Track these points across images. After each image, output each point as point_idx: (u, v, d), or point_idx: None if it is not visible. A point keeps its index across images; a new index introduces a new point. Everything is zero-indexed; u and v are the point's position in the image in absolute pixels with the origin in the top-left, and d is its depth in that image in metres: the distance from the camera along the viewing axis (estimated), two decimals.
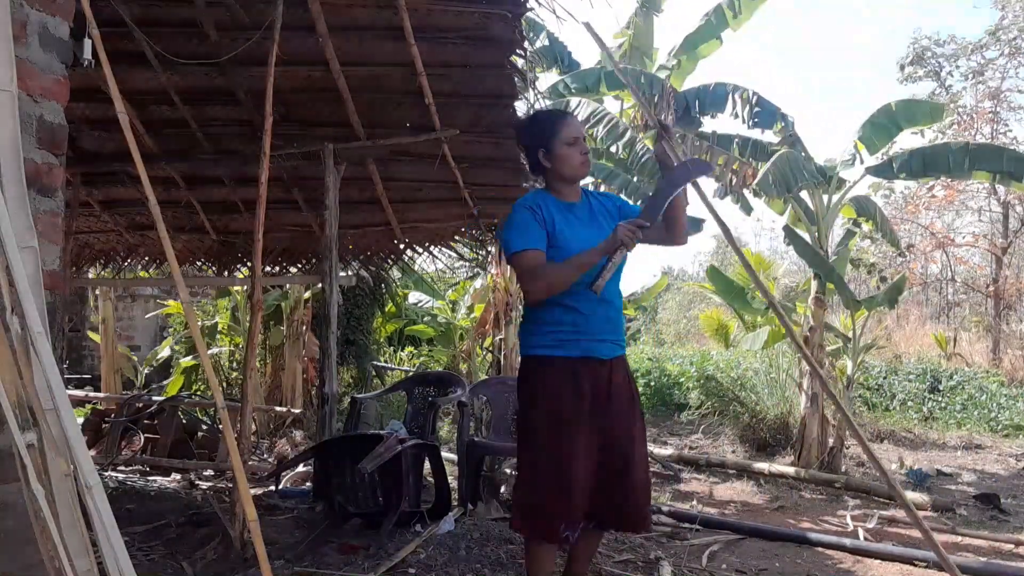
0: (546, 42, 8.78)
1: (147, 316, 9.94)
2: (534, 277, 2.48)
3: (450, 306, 11.39)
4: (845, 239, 7.62)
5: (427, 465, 4.30)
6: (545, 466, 2.49)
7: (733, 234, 2.81)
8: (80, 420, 5.64)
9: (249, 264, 6.18)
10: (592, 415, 2.51)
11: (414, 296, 11.71)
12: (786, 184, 6.29)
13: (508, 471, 5.37)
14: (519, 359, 2.79)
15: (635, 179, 7.67)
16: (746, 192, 7.78)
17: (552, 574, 2.64)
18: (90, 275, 7.35)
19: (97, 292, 9.07)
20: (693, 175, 2.58)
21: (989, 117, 16.20)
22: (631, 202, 3.08)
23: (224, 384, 7.88)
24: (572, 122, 2.65)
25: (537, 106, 4.76)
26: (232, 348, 8.27)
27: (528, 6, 3.89)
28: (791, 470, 6.29)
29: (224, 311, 8.55)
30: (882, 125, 6.91)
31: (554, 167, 2.61)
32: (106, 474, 5.38)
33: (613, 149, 7.81)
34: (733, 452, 7.55)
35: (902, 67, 18.42)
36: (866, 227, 7.52)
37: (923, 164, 6.45)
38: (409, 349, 10.94)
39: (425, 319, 11.21)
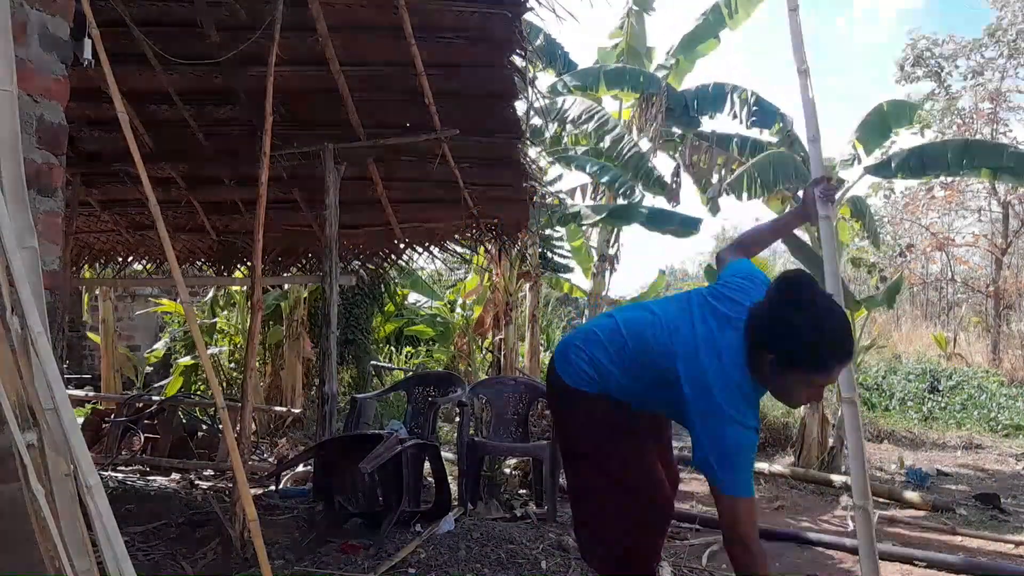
0: (543, 43, 8.79)
1: (139, 313, 9.93)
2: (749, 550, 1.98)
3: (449, 306, 11.39)
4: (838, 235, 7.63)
5: (427, 465, 4.30)
6: (636, 500, 2.19)
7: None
8: (80, 420, 5.63)
9: (249, 264, 6.18)
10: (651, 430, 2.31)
11: (413, 296, 11.71)
12: (766, 184, 6.29)
13: (508, 471, 5.37)
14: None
15: (627, 176, 7.69)
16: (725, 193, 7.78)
17: None
18: (88, 275, 7.34)
19: (97, 292, 9.07)
20: None
21: (989, 117, 16.21)
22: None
23: (224, 384, 7.88)
24: (839, 368, 1.97)
25: (537, 105, 4.74)
26: (232, 348, 8.27)
27: (528, 6, 3.88)
28: (791, 470, 6.29)
29: (204, 306, 8.60)
30: (875, 125, 6.94)
31: (771, 382, 2.01)
32: (106, 474, 5.38)
33: (601, 146, 7.84)
34: None
35: (901, 67, 18.42)
36: (855, 226, 7.53)
37: (922, 163, 6.44)
38: (408, 349, 10.94)
39: (424, 319, 11.21)
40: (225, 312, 8.41)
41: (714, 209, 8.05)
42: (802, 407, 6.79)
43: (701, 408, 2.00)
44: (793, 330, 1.90)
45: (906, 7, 39.08)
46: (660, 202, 8.32)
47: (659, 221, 7.50)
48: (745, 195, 6.33)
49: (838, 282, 2.36)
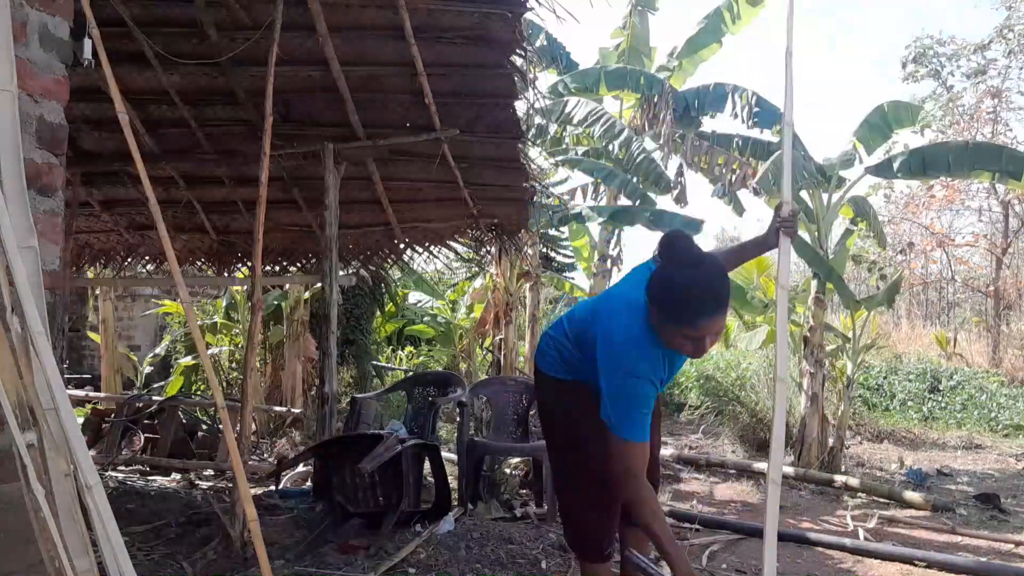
0: (544, 42, 8.78)
1: (143, 315, 9.94)
2: (638, 480, 2.13)
3: (450, 306, 11.39)
4: (843, 238, 7.64)
5: (427, 465, 4.30)
6: (589, 485, 2.40)
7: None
8: (80, 420, 5.64)
9: (249, 264, 6.18)
10: None
11: (414, 296, 11.71)
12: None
13: (508, 471, 5.37)
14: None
15: (633, 179, 7.67)
16: (743, 191, 7.80)
17: None
18: (89, 275, 7.34)
19: (97, 292, 9.08)
20: None
21: (990, 117, 16.20)
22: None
23: (224, 384, 7.88)
24: (708, 323, 2.02)
25: (537, 105, 4.74)
26: (232, 348, 8.27)
27: (528, 6, 3.88)
28: (791, 470, 6.28)
29: (219, 306, 8.56)
30: (876, 125, 6.97)
31: (661, 334, 2.10)
32: (106, 474, 5.38)
33: (610, 148, 7.82)
34: (733, 452, 7.54)
35: (904, 65, 18.41)
36: (861, 227, 7.55)
37: (923, 164, 6.45)
38: (409, 349, 10.94)
39: (425, 319, 11.21)
40: (238, 317, 8.36)
41: (738, 209, 8.09)
42: (802, 407, 6.81)
43: (605, 365, 2.16)
44: (667, 286, 2.06)
45: (908, 6, 39.21)
46: (662, 202, 8.32)
47: (662, 222, 7.51)
48: (774, 191, 6.39)
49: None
